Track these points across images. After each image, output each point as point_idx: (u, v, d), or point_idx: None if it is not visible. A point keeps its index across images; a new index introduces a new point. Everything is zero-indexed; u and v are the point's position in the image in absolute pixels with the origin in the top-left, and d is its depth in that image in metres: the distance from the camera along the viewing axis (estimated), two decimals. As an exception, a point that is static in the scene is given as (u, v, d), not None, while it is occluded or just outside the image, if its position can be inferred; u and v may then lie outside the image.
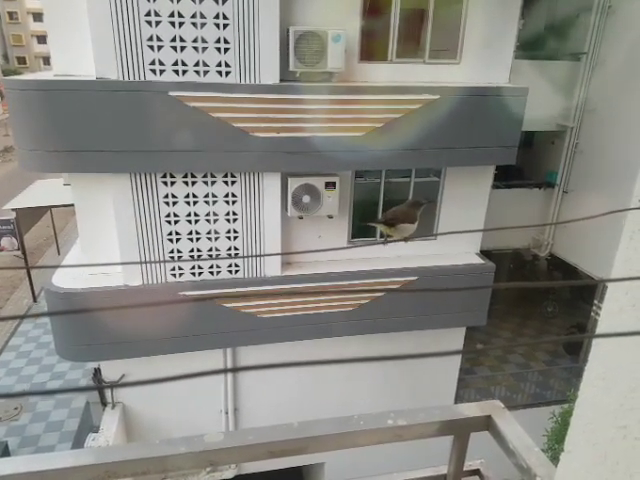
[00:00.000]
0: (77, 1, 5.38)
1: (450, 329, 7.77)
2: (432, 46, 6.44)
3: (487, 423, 1.37)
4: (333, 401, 7.93)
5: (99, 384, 7.13)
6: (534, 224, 9.53)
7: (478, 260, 7.43)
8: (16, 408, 10.56)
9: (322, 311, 6.99)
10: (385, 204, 7.04)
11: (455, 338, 8.01)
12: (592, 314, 9.23)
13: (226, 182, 6.31)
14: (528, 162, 9.97)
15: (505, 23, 6.53)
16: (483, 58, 6.60)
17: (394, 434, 1.31)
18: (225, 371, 1.13)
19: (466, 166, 6.84)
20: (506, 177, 9.16)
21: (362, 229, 7.20)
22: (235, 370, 0.95)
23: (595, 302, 9.07)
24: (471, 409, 1.38)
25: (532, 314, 11.37)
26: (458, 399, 8.50)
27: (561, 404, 7.38)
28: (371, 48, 6.21)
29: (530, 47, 8.29)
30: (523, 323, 11.21)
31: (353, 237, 7.18)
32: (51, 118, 5.45)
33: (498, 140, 6.47)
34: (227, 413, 7.71)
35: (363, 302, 6.95)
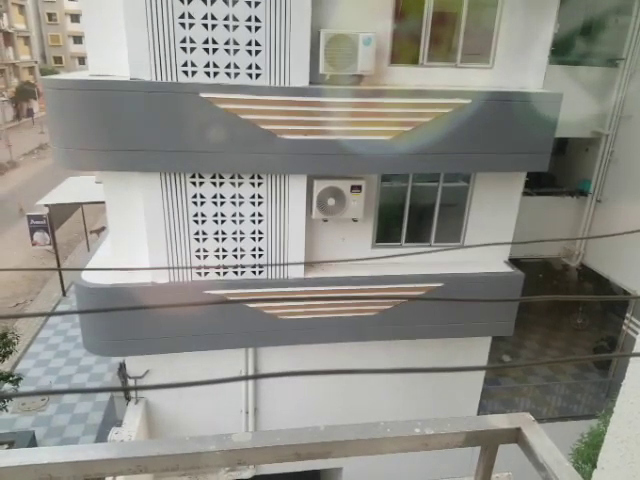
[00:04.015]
0: (114, 3, 5.50)
1: (475, 338, 7.63)
2: (464, 50, 6.34)
3: (517, 435, 1.34)
4: (353, 405, 7.88)
5: (124, 379, 7.26)
6: (566, 234, 9.29)
7: (506, 268, 7.27)
8: (43, 399, 10.89)
9: (344, 315, 6.95)
10: (411, 208, 6.96)
11: (480, 347, 7.86)
12: (623, 327, 8.92)
13: (253, 183, 6.36)
14: (561, 169, 9.73)
15: (540, 27, 6.39)
16: (516, 62, 6.47)
17: (421, 442, 1.30)
18: (245, 378, 1.13)
19: (496, 172, 6.72)
20: (537, 184, 8.95)
21: (386, 233, 7.14)
22: (254, 377, 0.94)
23: (627, 316, 8.77)
24: (500, 420, 1.36)
25: (561, 325, 11.06)
26: (481, 410, 8.33)
27: (589, 419, 7.15)
28: (402, 51, 6.16)
29: (565, 52, 8.09)
30: (551, 334, 10.92)
31: (377, 241, 7.13)
32: (86, 117, 5.59)
33: (530, 146, 6.33)
34: (247, 413, 7.75)
35: (386, 307, 6.88)
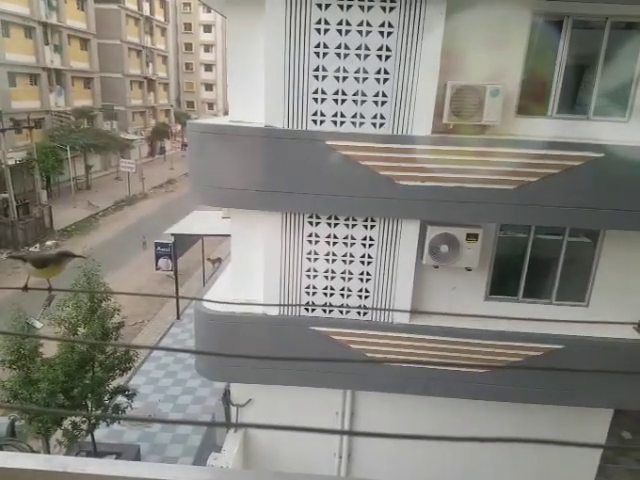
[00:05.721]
0: (254, 59, 6.13)
1: (594, 409, 6.82)
2: (597, 101, 6.05)
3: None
4: (450, 461, 7.40)
5: (227, 405, 7.57)
6: None
7: (635, 335, 6.50)
8: (150, 415, 11.67)
9: (449, 368, 6.64)
10: (531, 261, 6.58)
11: (599, 420, 7.00)
12: None
13: (365, 226, 6.50)
14: None
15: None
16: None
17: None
18: (340, 432, 1.14)
19: (632, 230, 6.15)
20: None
21: (502, 286, 6.79)
22: (349, 433, 0.96)
23: None
24: None
25: None
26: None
27: None
28: (530, 102, 6.04)
29: None
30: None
31: (491, 293, 6.80)
32: (224, 158, 6.21)
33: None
34: (340, 457, 7.61)
35: (497, 365, 6.46)
